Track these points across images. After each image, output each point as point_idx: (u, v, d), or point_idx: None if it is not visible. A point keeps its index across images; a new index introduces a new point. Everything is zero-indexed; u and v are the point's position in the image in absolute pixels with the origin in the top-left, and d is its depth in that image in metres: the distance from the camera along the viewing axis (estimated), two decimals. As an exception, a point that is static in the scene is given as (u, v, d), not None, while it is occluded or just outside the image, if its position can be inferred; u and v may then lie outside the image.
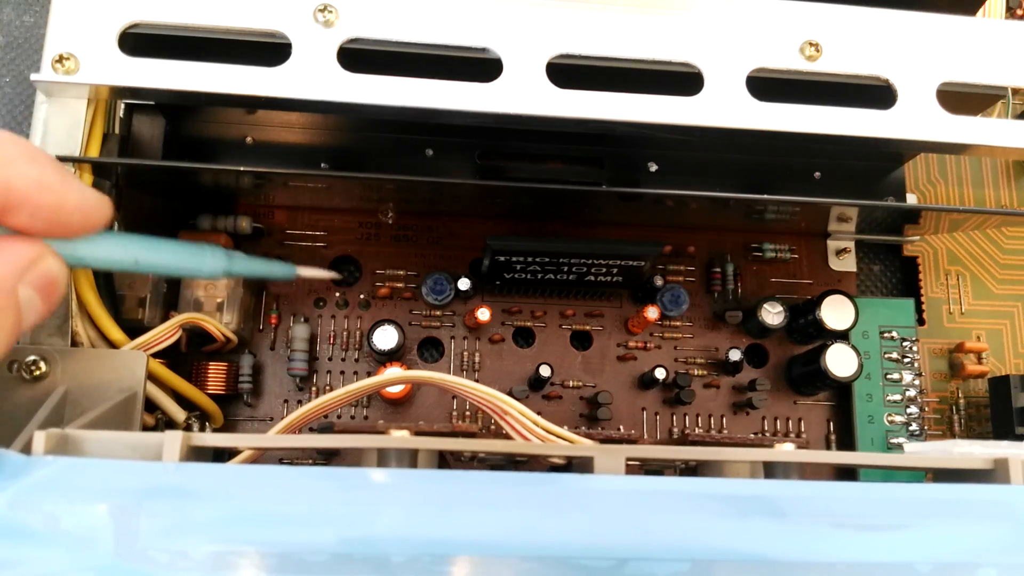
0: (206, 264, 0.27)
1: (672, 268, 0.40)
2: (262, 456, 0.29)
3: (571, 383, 0.38)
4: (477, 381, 0.30)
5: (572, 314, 0.39)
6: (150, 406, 0.32)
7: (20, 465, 0.19)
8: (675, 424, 0.38)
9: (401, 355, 0.37)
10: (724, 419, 0.39)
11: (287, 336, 0.37)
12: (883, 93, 0.30)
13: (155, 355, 0.31)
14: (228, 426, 0.36)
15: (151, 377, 0.30)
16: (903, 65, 0.30)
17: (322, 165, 0.35)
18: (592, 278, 0.36)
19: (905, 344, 0.39)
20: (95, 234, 0.22)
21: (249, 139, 0.35)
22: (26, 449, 0.20)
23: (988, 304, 0.41)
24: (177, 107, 0.33)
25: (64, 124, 0.30)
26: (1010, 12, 0.42)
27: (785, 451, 0.24)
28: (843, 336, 0.37)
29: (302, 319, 0.37)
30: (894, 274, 0.42)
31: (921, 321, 0.40)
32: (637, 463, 0.27)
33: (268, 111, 0.34)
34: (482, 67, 0.28)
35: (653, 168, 0.36)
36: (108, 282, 0.33)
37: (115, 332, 0.31)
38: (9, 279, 0.20)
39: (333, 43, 0.28)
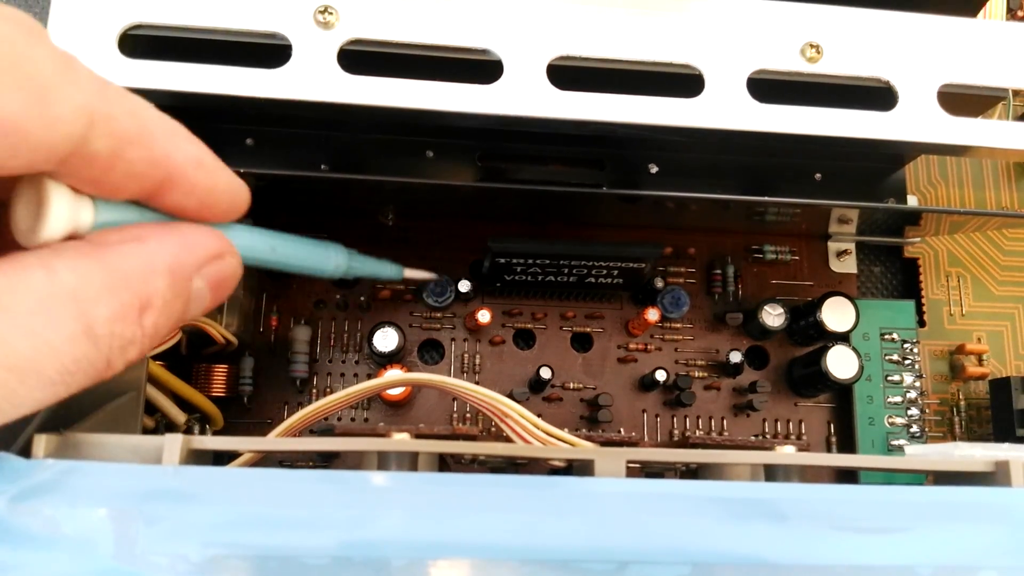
0: (330, 260, 0.27)
1: (673, 270, 0.40)
2: (262, 459, 0.29)
3: (571, 385, 0.38)
4: (477, 383, 0.30)
5: (572, 316, 0.39)
6: (150, 408, 0.32)
7: (20, 468, 0.19)
8: (676, 426, 0.38)
9: (401, 357, 0.37)
10: (725, 421, 0.39)
11: (287, 338, 0.37)
12: (884, 95, 0.30)
13: (155, 357, 0.31)
14: (228, 429, 0.36)
15: (151, 379, 0.30)
16: (904, 67, 0.30)
17: (322, 167, 0.34)
18: (593, 280, 0.36)
19: (906, 346, 0.39)
20: (232, 223, 0.22)
21: (249, 141, 0.35)
22: (26, 452, 0.20)
23: (989, 306, 0.41)
24: (177, 109, 0.33)
25: (64, 126, 0.30)
26: (1011, 14, 0.42)
27: (786, 454, 0.24)
28: (844, 338, 0.37)
29: (302, 321, 0.37)
30: (895, 276, 0.42)
31: (922, 323, 0.40)
32: (638, 466, 0.27)
33: (268, 113, 0.34)
34: (482, 69, 0.28)
35: (654, 170, 0.36)
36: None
37: (115, 334, 0.31)
38: (188, 267, 0.19)
39: (333, 45, 0.28)
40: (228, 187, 0.20)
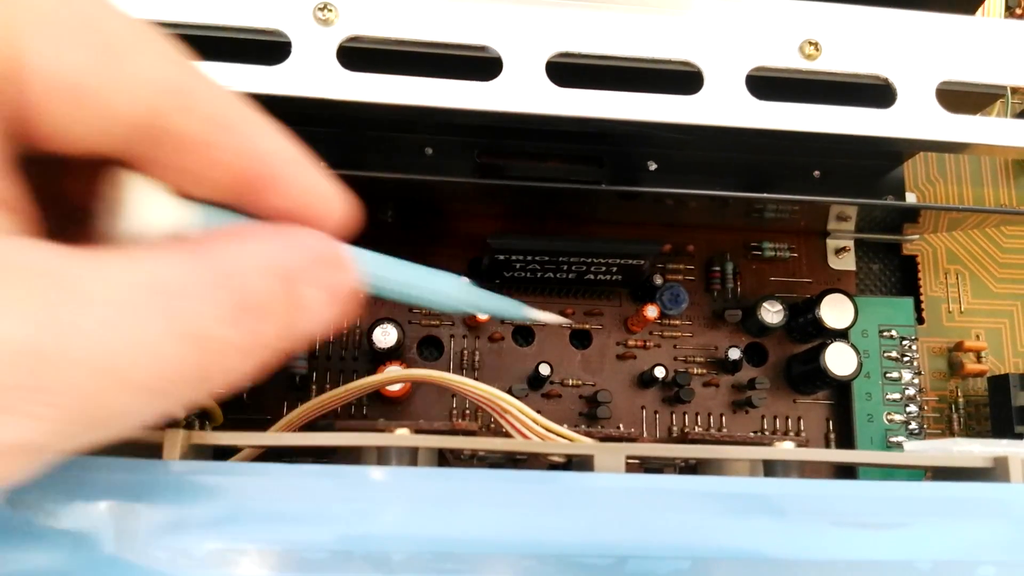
0: (451, 294, 0.25)
1: (671, 267, 0.40)
2: (262, 454, 0.29)
3: (570, 382, 0.38)
4: (477, 380, 0.30)
5: (572, 312, 0.39)
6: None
7: (20, 463, 0.19)
8: (674, 423, 0.39)
9: (401, 354, 0.37)
10: (723, 418, 0.39)
11: (287, 335, 0.37)
12: (882, 92, 0.30)
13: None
14: (228, 425, 0.36)
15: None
16: (902, 64, 0.30)
17: (321, 164, 0.34)
18: (592, 277, 0.36)
19: (904, 343, 0.39)
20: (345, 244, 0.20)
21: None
22: (26, 447, 0.20)
23: (987, 303, 0.41)
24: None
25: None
26: (1009, 11, 0.42)
27: (785, 449, 0.24)
28: (842, 335, 0.37)
29: (302, 318, 0.37)
30: (893, 273, 0.42)
31: (920, 320, 0.40)
32: (637, 461, 0.27)
33: (267, 109, 0.34)
34: (482, 65, 0.28)
35: (652, 167, 0.36)
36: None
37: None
38: (295, 272, 0.16)
39: (333, 41, 0.28)
40: (327, 192, 0.18)
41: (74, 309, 0.13)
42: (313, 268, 0.17)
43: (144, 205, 0.16)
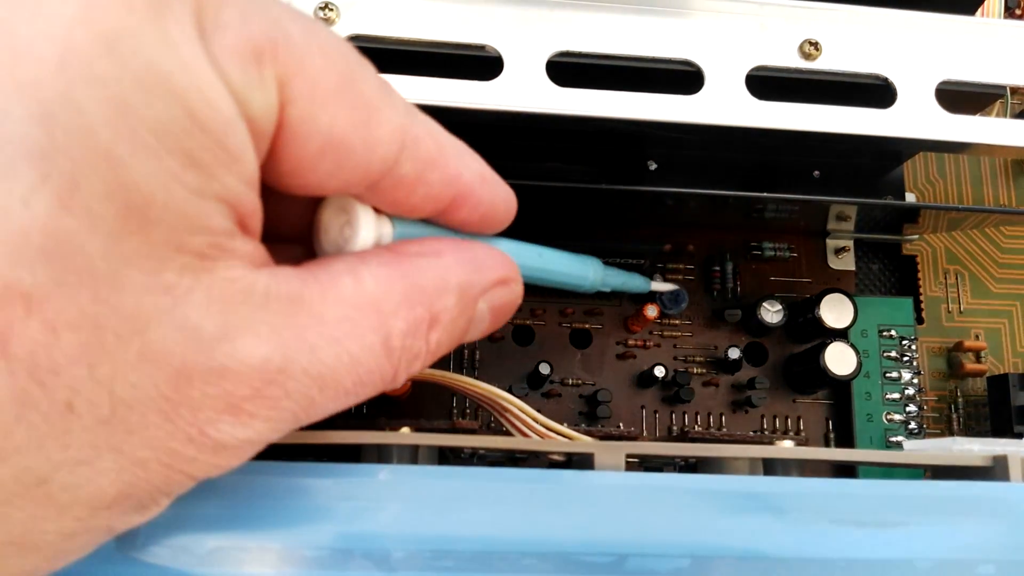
0: (589, 273, 0.27)
1: (671, 266, 0.40)
2: (262, 452, 0.29)
3: (570, 381, 0.38)
4: (477, 378, 0.30)
5: (571, 312, 0.39)
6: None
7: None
8: (674, 422, 0.39)
9: (401, 353, 0.37)
10: (723, 417, 0.39)
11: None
12: (882, 92, 0.30)
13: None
14: (228, 424, 0.36)
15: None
16: (902, 64, 0.30)
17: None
18: (592, 276, 0.36)
19: (904, 343, 0.39)
20: (498, 236, 0.22)
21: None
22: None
23: (987, 303, 0.41)
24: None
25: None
26: (1009, 12, 0.42)
27: (784, 448, 0.24)
28: (842, 335, 0.38)
29: (302, 317, 0.37)
30: (893, 273, 0.42)
31: (920, 320, 0.40)
32: (637, 460, 0.27)
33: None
34: (482, 65, 0.29)
35: (652, 166, 0.36)
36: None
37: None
38: (477, 289, 0.19)
39: (334, 41, 0.28)
40: (506, 199, 0.20)
41: (310, 329, 0.15)
42: (488, 284, 0.19)
43: (365, 228, 0.18)
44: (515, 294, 0.20)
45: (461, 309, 0.18)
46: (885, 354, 0.39)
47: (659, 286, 0.34)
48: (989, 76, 0.30)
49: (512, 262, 0.20)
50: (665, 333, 0.39)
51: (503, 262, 0.20)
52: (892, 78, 0.30)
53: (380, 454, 0.22)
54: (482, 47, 0.29)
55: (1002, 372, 0.39)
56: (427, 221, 0.19)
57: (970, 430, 0.40)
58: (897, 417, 0.38)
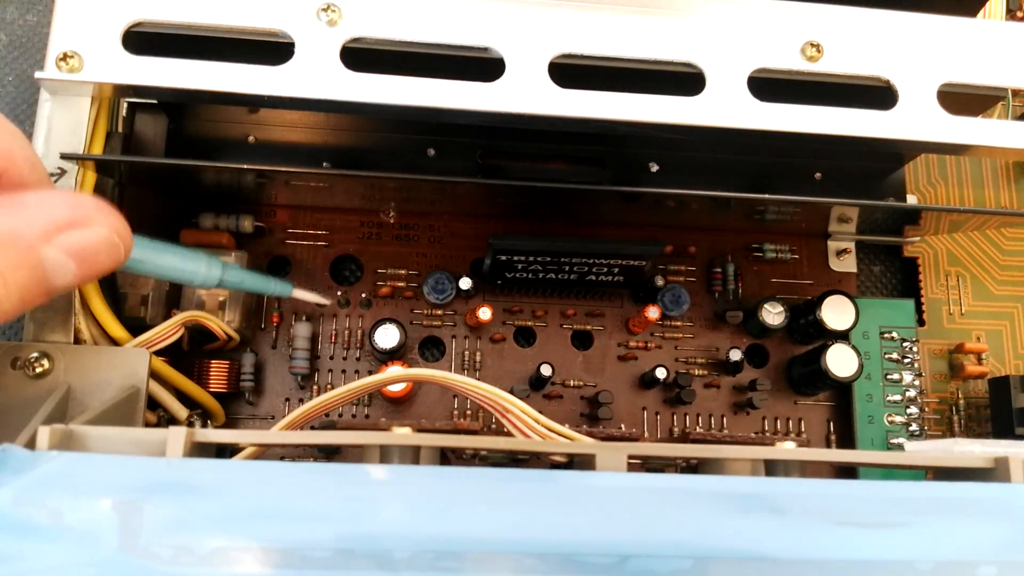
0: (200, 272, 0.28)
1: (673, 268, 0.40)
2: (264, 453, 0.29)
3: (572, 383, 0.38)
4: (478, 380, 0.30)
5: (573, 314, 0.39)
6: (152, 404, 0.32)
7: (24, 460, 0.19)
8: (676, 424, 0.39)
9: (402, 354, 0.37)
10: (724, 419, 0.39)
11: (289, 335, 0.37)
12: (884, 94, 0.30)
13: (157, 353, 0.32)
14: (230, 424, 0.36)
15: (153, 375, 0.30)
16: (904, 66, 0.30)
17: (324, 164, 0.35)
18: (593, 278, 0.37)
19: (905, 345, 0.39)
20: None
21: (251, 138, 0.35)
22: (30, 444, 0.20)
23: (988, 305, 0.41)
24: (180, 106, 0.34)
25: (68, 122, 0.30)
26: (1010, 14, 0.42)
27: (786, 449, 0.24)
28: (843, 336, 0.38)
29: (304, 318, 0.37)
30: (894, 275, 0.42)
31: (921, 322, 0.40)
32: (638, 461, 0.27)
33: (270, 110, 0.34)
34: (484, 67, 0.29)
35: (654, 168, 0.36)
36: (111, 280, 0.33)
37: (118, 330, 0.31)
38: (27, 237, 0.18)
39: (336, 42, 0.28)
40: (42, 177, 0.20)
41: None
42: (45, 230, 0.18)
43: None
44: (96, 236, 0.19)
45: (11, 260, 0.17)
46: (886, 356, 0.39)
47: (302, 294, 0.34)
48: (990, 78, 0.30)
49: (82, 205, 0.19)
50: (667, 335, 0.39)
51: (63, 206, 0.18)
52: (893, 80, 0.30)
53: (382, 455, 0.22)
54: (484, 49, 0.29)
55: (1003, 374, 0.39)
56: None
57: (971, 432, 0.40)
58: (898, 419, 0.38)
